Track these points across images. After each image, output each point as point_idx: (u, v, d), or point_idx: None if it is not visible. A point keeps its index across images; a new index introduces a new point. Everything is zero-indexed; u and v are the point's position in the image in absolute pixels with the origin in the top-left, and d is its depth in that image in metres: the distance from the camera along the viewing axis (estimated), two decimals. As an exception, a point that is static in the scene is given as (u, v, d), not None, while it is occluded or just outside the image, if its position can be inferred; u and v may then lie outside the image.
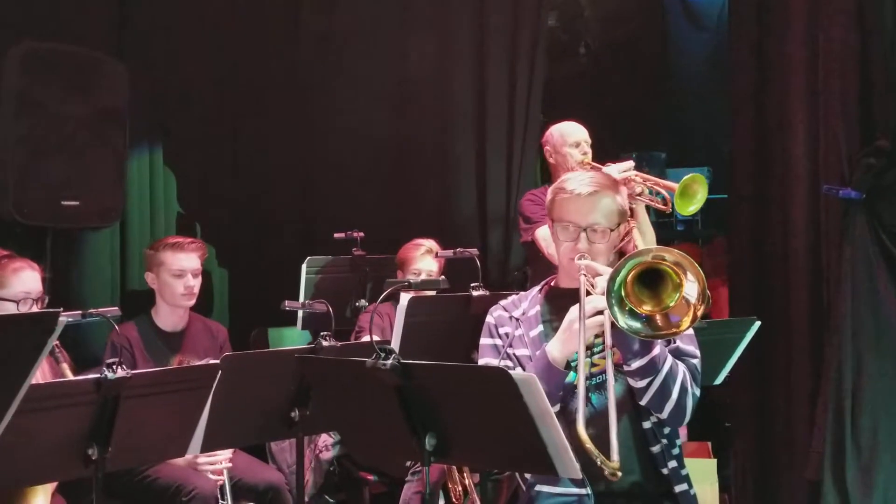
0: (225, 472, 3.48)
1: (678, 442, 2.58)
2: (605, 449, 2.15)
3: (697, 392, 2.48)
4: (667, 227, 6.52)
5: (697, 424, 4.40)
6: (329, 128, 5.48)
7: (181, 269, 3.70)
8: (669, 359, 2.43)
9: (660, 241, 4.13)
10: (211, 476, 3.47)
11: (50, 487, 2.99)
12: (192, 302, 3.79)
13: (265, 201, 5.42)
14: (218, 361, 2.80)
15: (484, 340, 2.67)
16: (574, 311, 2.41)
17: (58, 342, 2.76)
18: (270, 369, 2.95)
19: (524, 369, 2.51)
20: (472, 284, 3.17)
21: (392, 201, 5.50)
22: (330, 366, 2.64)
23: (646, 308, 2.32)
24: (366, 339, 3.75)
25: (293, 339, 4.70)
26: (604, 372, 2.42)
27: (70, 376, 2.88)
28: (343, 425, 2.80)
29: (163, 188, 5.02)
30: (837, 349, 3.97)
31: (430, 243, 4.18)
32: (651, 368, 2.39)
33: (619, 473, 2.14)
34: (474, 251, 3.66)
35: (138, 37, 4.86)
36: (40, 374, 2.92)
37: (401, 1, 5.55)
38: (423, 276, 4.01)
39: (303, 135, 5.49)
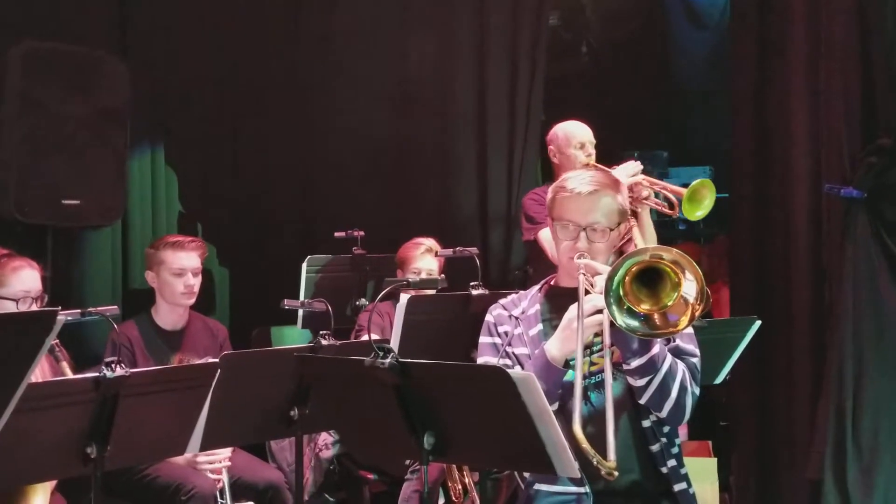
0: (224, 470, 3.49)
1: (677, 441, 2.58)
2: (603, 448, 2.15)
3: (697, 391, 2.48)
4: (668, 225, 6.52)
5: (697, 423, 4.42)
6: (329, 128, 5.47)
7: (181, 267, 3.71)
8: (669, 357, 2.43)
9: (661, 240, 4.08)
10: (210, 475, 3.47)
11: (49, 486, 2.99)
12: (192, 301, 3.79)
13: (265, 201, 5.42)
14: (217, 360, 2.80)
15: (483, 339, 2.67)
16: (573, 309, 2.41)
17: (57, 341, 2.76)
18: (270, 368, 2.95)
19: (523, 368, 2.51)
20: (472, 283, 3.17)
21: (392, 201, 5.49)
22: (329, 365, 2.64)
23: (644, 307, 2.31)
24: (365, 337, 3.74)
25: (294, 338, 4.70)
26: (603, 371, 2.42)
27: (70, 375, 2.87)
28: (342, 424, 2.81)
29: (164, 187, 5.03)
30: (838, 349, 3.96)
31: (430, 242, 4.18)
32: (650, 367, 2.39)
33: (616, 473, 2.14)
34: (474, 250, 3.65)
35: (139, 36, 4.86)
36: (40, 372, 2.93)
37: (401, 1, 5.54)
38: (423, 275, 4.00)
39: (303, 134, 5.48)
